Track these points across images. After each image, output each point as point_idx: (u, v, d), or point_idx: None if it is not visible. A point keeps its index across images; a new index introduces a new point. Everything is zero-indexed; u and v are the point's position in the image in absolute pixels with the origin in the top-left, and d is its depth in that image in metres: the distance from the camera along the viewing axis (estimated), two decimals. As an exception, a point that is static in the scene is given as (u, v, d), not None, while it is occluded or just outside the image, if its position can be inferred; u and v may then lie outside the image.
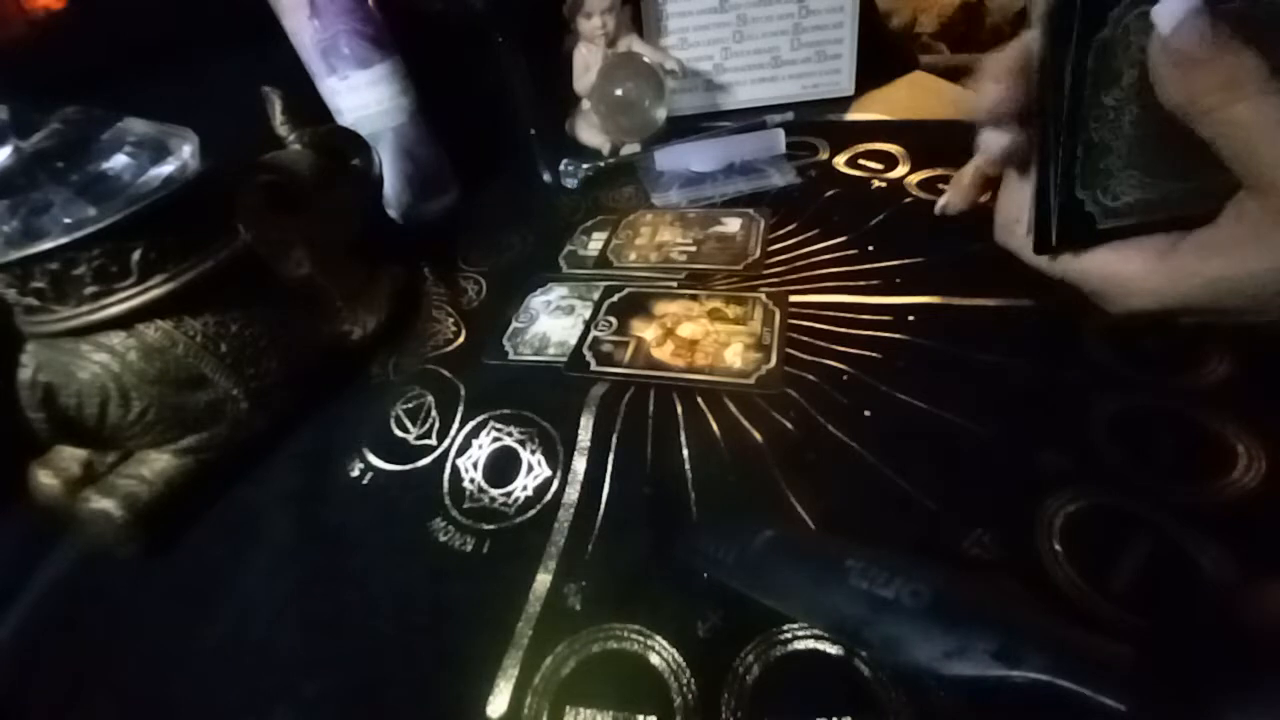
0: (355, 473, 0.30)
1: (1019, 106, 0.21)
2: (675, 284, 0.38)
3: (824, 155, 0.48)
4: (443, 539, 0.26)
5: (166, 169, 0.28)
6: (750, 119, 0.54)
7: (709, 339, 0.33)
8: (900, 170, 0.44)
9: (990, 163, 0.25)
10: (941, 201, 0.30)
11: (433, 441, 0.31)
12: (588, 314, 0.36)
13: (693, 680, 0.21)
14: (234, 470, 0.31)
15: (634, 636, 0.22)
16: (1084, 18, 0.18)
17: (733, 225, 0.42)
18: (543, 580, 0.24)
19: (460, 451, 0.30)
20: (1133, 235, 0.21)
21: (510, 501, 0.27)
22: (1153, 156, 0.19)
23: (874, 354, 0.30)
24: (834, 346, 0.31)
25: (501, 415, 0.31)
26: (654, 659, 0.21)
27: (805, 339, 0.32)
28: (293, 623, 0.25)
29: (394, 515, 0.28)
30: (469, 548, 0.26)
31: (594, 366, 0.33)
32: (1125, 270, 0.21)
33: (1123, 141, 0.19)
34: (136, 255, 0.26)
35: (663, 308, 0.36)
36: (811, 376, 0.30)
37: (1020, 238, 0.24)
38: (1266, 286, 0.18)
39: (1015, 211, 0.25)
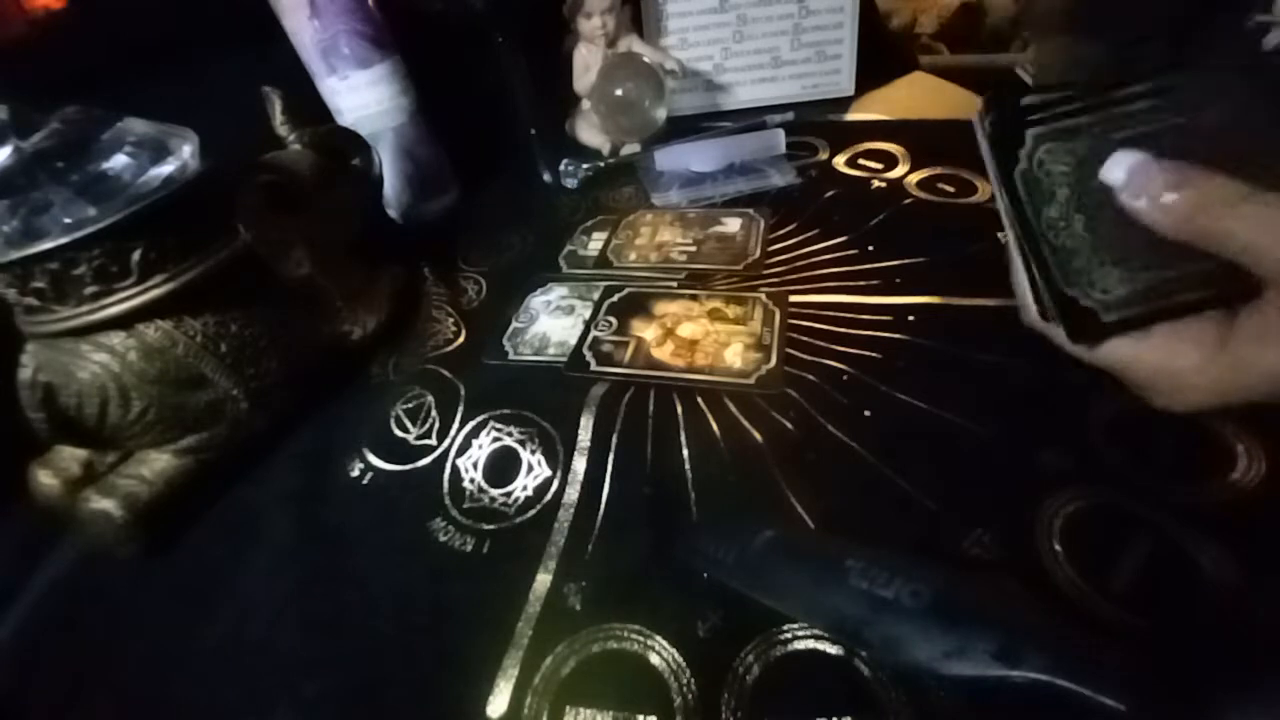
0: (355, 473, 0.30)
1: None
2: (675, 284, 0.38)
3: (824, 155, 0.48)
4: (443, 539, 0.26)
5: (166, 169, 0.28)
6: (750, 119, 0.54)
7: (709, 339, 0.33)
8: (900, 170, 0.44)
9: None
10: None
11: (433, 441, 0.31)
12: (588, 314, 0.36)
13: (693, 680, 0.21)
14: (234, 470, 0.31)
15: (634, 636, 0.22)
16: (998, 158, 0.20)
17: (733, 225, 0.42)
18: (543, 580, 0.24)
19: (460, 451, 0.30)
20: (1156, 320, 0.20)
21: (510, 501, 0.27)
22: (1123, 252, 0.20)
23: (874, 354, 0.30)
24: (834, 346, 0.31)
25: (501, 415, 0.31)
26: (654, 659, 0.21)
27: (805, 339, 0.32)
28: (293, 623, 0.25)
29: (394, 515, 0.28)
30: (469, 548, 0.26)
31: (594, 366, 0.33)
32: (1177, 365, 0.20)
33: (1083, 244, 0.20)
34: (136, 255, 0.26)
35: (663, 308, 0.36)
36: (811, 376, 0.30)
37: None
38: None
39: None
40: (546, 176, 0.51)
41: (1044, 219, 0.20)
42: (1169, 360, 0.20)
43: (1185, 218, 0.18)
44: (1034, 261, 0.21)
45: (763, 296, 0.35)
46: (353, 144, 0.40)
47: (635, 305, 0.36)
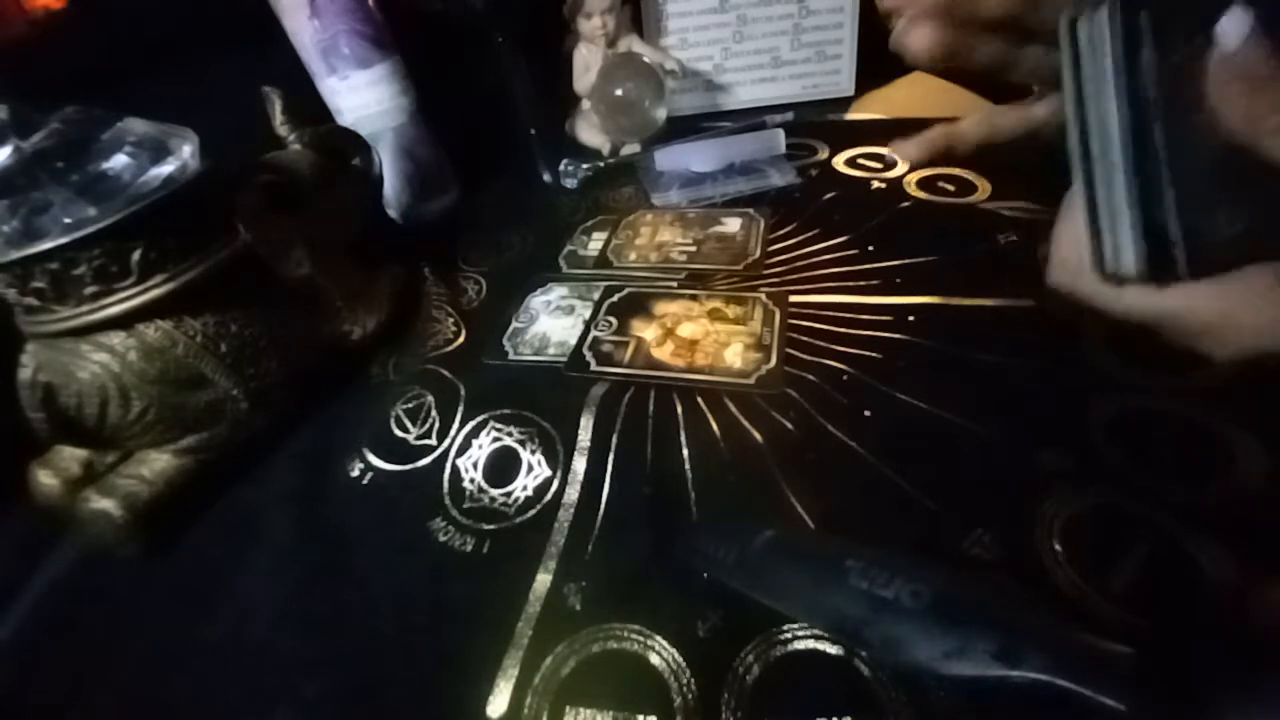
0: (355, 473, 0.30)
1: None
2: (675, 284, 0.38)
3: (824, 155, 0.48)
4: (443, 539, 0.26)
5: (166, 169, 0.28)
6: (750, 119, 0.54)
7: (709, 339, 0.33)
8: (900, 170, 0.44)
9: (920, 58, 0.24)
10: (891, 147, 0.28)
11: (433, 441, 0.31)
12: (588, 314, 0.36)
13: (693, 680, 0.21)
14: (234, 470, 0.31)
15: (634, 636, 0.22)
16: (1132, 41, 0.18)
17: (733, 225, 0.42)
18: (543, 580, 0.24)
19: (460, 451, 0.30)
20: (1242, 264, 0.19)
21: (510, 501, 0.27)
22: (1243, 185, 0.18)
23: (874, 354, 0.30)
24: (834, 346, 0.31)
25: (501, 415, 0.31)
26: (654, 659, 0.21)
27: (805, 339, 0.32)
28: (293, 623, 0.25)
29: (394, 515, 0.28)
30: (469, 548, 0.26)
31: (594, 366, 0.33)
32: (1229, 306, 0.19)
33: (1210, 168, 0.18)
34: (136, 255, 0.26)
35: (663, 308, 0.36)
36: (811, 376, 0.30)
37: (1090, 278, 0.22)
38: None
39: (1080, 250, 0.22)
40: (546, 176, 0.51)
41: (1177, 128, 0.18)
42: (1220, 301, 0.19)
43: (1260, 111, 0.16)
44: (1145, 182, 0.18)
45: (763, 296, 0.35)
46: (353, 144, 0.40)
47: (635, 305, 0.36)
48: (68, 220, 0.25)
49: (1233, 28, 0.17)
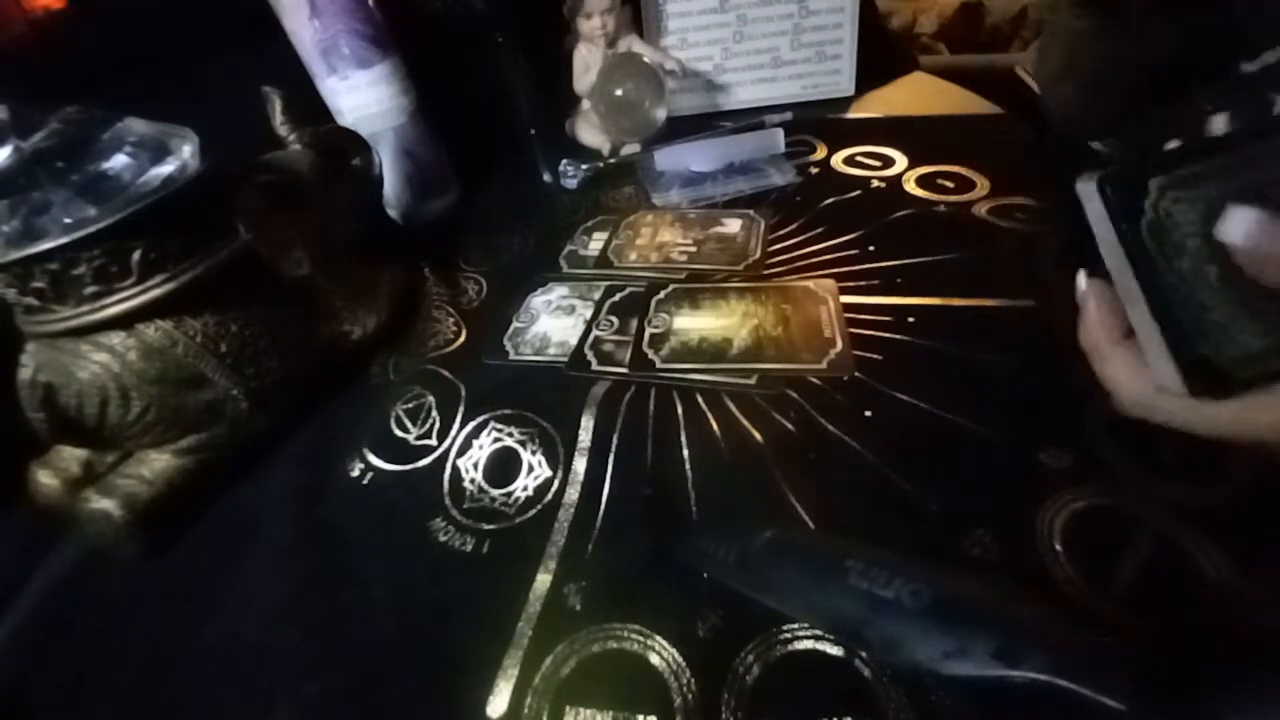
0: (355, 473, 0.30)
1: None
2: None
3: (823, 155, 0.48)
4: (443, 539, 0.26)
5: (166, 169, 0.28)
6: (750, 119, 0.54)
7: (709, 339, 0.33)
8: (899, 169, 0.44)
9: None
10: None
11: (433, 441, 0.31)
12: (589, 314, 0.36)
13: (693, 680, 0.21)
14: (234, 470, 0.31)
15: (634, 636, 0.22)
16: (1123, 210, 0.19)
17: (733, 225, 0.42)
18: (543, 580, 0.24)
19: (460, 451, 0.30)
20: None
21: (510, 501, 0.27)
22: (1258, 303, 0.18)
23: (874, 354, 0.30)
24: (834, 346, 0.31)
25: (502, 415, 0.31)
26: (654, 659, 0.21)
27: (805, 339, 0.32)
28: (293, 622, 0.25)
29: (394, 515, 0.28)
30: (469, 548, 0.26)
31: (595, 366, 0.33)
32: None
33: (1219, 297, 0.19)
34: (136, 255, 0.26)
35: (663, 308, 0.36)
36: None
37: (1170, 406, 0.22)
38: None
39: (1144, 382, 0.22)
40: (546, 176, 0.51)
41: (1175, 272, 0.19)
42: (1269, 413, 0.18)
43: None
44: (1164, 320, 0.20)
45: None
46: (353, 144, 0.40)
47: (636, 305, 0.36)
48: (68, 220, 0.25)
49: (1237, 226, 0.17)
